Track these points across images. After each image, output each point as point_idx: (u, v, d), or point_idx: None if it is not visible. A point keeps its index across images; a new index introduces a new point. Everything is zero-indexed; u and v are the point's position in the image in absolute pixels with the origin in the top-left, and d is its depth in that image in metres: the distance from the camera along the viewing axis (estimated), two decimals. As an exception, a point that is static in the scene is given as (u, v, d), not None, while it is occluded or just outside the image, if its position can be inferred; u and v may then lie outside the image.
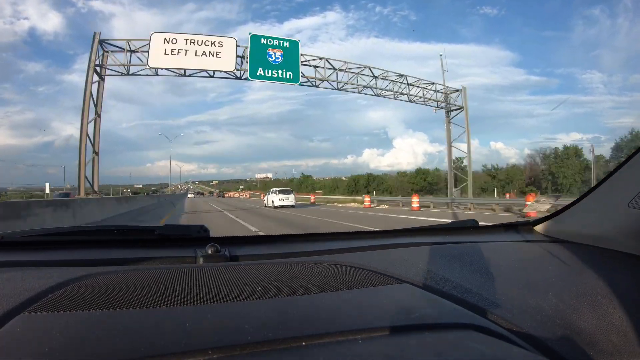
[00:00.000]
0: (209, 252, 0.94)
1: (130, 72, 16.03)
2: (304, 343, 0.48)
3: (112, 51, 15.48)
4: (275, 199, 20.40)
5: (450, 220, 1.53)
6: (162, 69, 15.67)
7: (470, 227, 1.36)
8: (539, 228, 1.23)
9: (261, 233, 8.32)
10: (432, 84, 20.30)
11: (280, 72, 16.23)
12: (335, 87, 18.12)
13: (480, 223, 1.38)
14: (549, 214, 1.21)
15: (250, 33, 16.35)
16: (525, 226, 1.28)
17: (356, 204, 23.49)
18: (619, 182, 0.95)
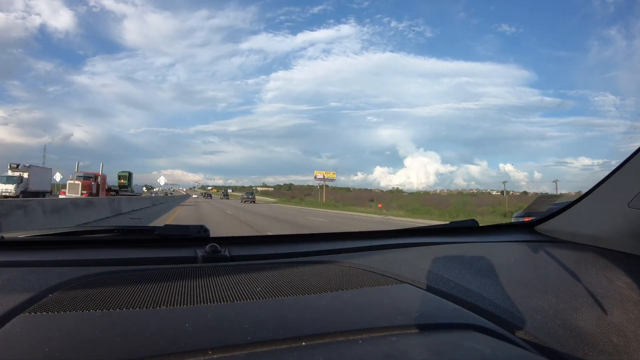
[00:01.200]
0: (209, 252, 0.94)
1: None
2: (303, 343, 0.48)
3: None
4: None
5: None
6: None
7: (470, 227, 1.36)
8: (539, 228, 1.23)
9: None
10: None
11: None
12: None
13: (480, 223, 1.38)
14: (549, 214, 1.21)
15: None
16: (525, 226, 1.28)
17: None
18: (618, 182, 0.95)
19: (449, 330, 0.57)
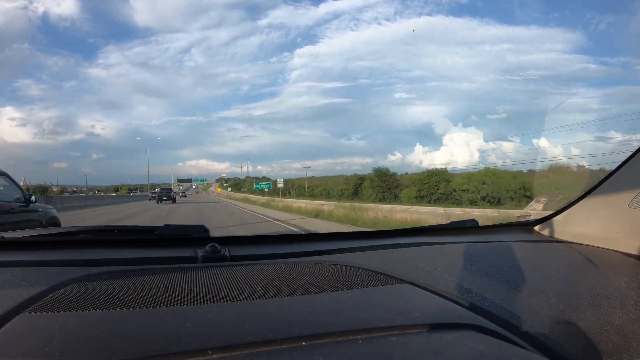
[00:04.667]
0: (209, 252, 0.94)
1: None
2: (303, 343, 0.48)
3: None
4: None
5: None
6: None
7: (470, 227, 1.36)
8: (538, 228, 1.23)
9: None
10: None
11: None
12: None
13: (480, 223, 1.38)
14: (549, 214, 1.21)
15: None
16: (525, 226, 1.28)
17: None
18: (619, 182, 0.95)
19: (449, 330, 0.57)
